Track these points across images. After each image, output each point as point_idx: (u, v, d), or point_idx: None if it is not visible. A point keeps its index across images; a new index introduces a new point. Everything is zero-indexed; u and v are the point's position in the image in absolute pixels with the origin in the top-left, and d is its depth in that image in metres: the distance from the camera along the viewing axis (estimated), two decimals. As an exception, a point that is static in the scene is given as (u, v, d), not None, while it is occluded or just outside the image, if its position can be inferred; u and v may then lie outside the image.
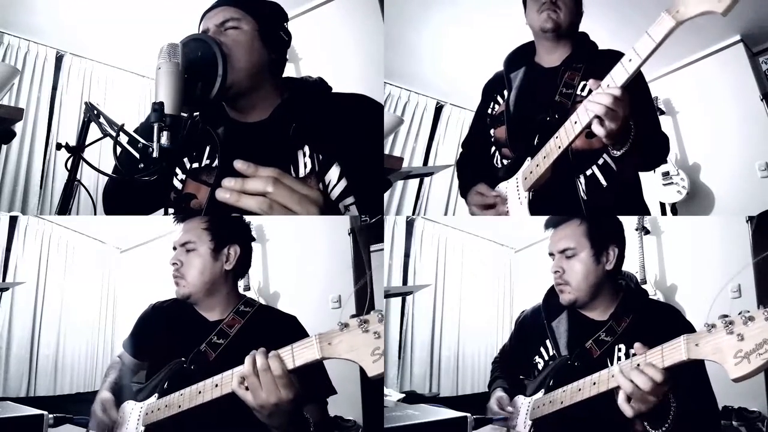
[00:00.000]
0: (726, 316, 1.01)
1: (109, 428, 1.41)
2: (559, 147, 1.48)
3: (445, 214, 3.46)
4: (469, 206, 1.76)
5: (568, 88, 1.60)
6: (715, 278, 2.47)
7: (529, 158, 1.58)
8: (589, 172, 1.60)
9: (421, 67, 3.23)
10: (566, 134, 1.45)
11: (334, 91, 1.53)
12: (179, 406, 1.30)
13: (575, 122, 1.41)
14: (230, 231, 1.53)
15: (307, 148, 1.39)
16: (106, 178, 1.54)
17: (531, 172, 1.57)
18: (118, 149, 1.29)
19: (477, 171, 1.80)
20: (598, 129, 1.33)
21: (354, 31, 2.84)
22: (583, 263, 1.48)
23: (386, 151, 2.87)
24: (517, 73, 1.71)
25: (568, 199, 1.58)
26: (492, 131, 1.76)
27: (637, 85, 1.44)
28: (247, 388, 1.19)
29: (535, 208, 1.59)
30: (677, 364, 1.09)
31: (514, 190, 1.63)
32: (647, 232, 2.84)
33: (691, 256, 2.73)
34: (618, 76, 1.32)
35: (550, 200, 1.59)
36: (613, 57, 1.38)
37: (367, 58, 2.71)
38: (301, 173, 1.40)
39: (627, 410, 1.16)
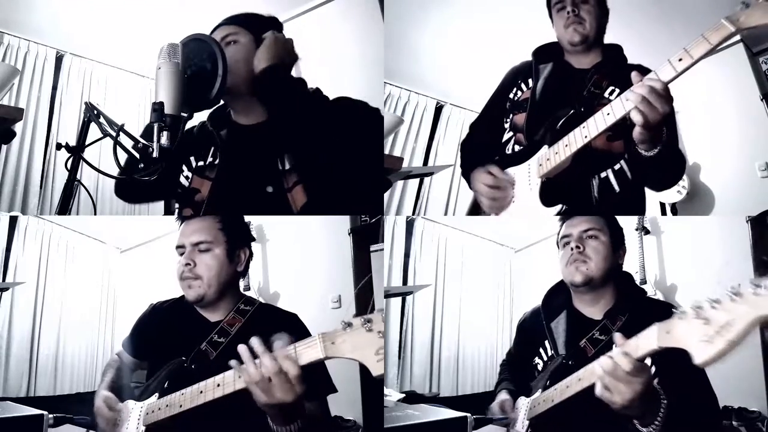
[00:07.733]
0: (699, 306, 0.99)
1: (113, 424, 1.40)
2: (586, 137, 1.46)
3: (445, 214, 3.45)
4: (475, 184, 1.71)
5: (596, 88, 1.60)
6: (715, 278, 2.47)
7: (546, 146, 1.57)
8: (603, 175, 1.58)
9: (421, 67, 3.23)
10: (596, 125, 1.44)
11: (334, 91, 1.53)
12: (180, 406, 1.29)
13: (608, 113, 1.40)
14: (241, 234, 1.53)
15: (296, 153, 1.41)
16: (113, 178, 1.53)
17: (548, 159, 1.55)
18: (118, 149, 1.29)
19: (485, 153, 1.76)
20: (637, 118, 1.31)
21: (354, 31, 2.84)
22: (604, 245, 1.49)
23: (386, 151, 2.86)
24: (546, 66, 1.71)
25: (580, 197, 1.56)
26: (511, 116, 1.74)
27: None
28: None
29: (544, 198, 1.57)
30: (650, 353, 1.08)
31: (525, 175, 1.60)
32: (647, 232, 2.84)
33: (691, 256, 2.73)
34: (664, 73, 1.31)
35: (562, 193, 1.56)
36: (642, 71, 1.36)
37: (367, 58, 2.71)
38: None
39: (607, 399, 1.14)
